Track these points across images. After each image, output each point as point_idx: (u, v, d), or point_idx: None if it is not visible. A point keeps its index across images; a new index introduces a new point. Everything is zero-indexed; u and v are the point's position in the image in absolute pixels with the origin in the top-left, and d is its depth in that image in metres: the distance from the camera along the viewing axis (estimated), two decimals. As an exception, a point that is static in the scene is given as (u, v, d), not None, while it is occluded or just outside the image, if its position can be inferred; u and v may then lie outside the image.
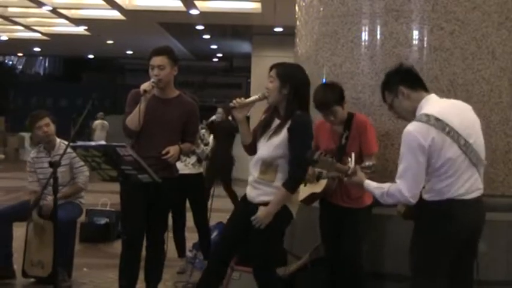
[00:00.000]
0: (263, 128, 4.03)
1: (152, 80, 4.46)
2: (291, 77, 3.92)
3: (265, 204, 3.89)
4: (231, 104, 3.99)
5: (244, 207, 4.06)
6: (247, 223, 3.95)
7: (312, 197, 4.52)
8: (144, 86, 4.40)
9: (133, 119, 4.46)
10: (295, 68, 4.07)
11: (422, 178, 3.30)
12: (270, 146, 3.90)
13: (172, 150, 4.48)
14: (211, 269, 4.17)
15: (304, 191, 4.57)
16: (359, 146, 4.32)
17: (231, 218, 4.20)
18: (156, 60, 4.50)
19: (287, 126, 3.87)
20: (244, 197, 4.11)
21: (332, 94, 4.36)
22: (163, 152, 4.44)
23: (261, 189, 3.94)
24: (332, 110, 4.32)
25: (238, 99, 4.01)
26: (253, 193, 4.00)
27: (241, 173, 14.57)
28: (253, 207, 3.95)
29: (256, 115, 4.17)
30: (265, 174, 3.91)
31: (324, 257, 4.67)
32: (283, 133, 3.87)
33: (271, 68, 3.98)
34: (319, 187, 4.43)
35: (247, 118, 4.24)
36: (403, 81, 3.47)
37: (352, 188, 4.20)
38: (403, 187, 3.29)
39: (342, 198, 4.39)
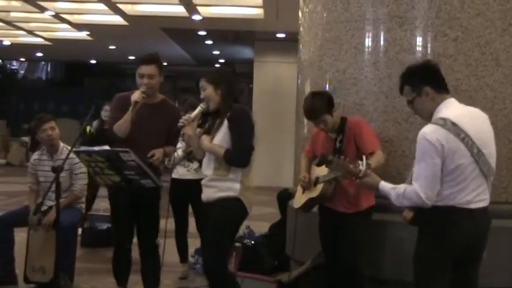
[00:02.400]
0: (208, 132, 4.18)
1: (142, 89, 4.58)
2: (220, 78, 4.14)
3: (223, 199, 4.01)
4: (180, 124, 4.14)
5: (207, 212, 4.16)
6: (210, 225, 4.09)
7: (310, 203, 4.53)
8: (135, 97, 4.53)
9: (122, 127, 4.56)
10: (220, 70, 4.42)
11: (438, 180, 3.27)
12: (217, 141, 4.05)
13: (158, 153, 4.59)
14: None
15: (301, 198, 4.57)
16: (356, 148, 4.33)
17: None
18: (146, 69, 4.62)
19: (227, 117, 4.04)
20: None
21: (320, 102, 4.39)
22: (149, 155, 4.51)
23: (216, 186, 4.07)
24: (322, 119, 4.37)
25: (185, 117, 4.16)
26: (208, 193, 4.12)
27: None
28: (211, 206, 4.08)
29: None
30: (218, 170, 4.06)
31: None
32: (224, 125, 4.03)
33: (198, 82, 4.16)
34: (315, 192, 4.45)
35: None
36: (431, 82, 3.41)
37: (352, 187, 4.22)
38: (419, 189, 3.26)
39: (341, 202, 4.41)
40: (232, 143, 4.00)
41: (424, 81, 3.41)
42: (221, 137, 4.04)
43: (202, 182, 4.18)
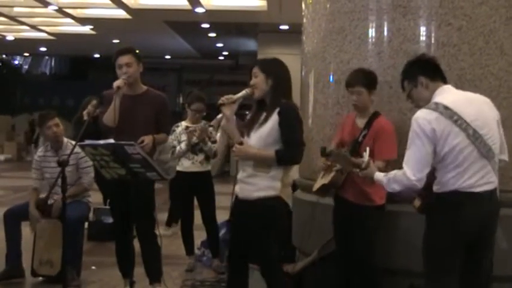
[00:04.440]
0: (250, 123, 4.06)
1: (123, 77, 4.68)
2: (274, 69, 4.03)
3: (263, 199, 3.89)
4: (220, 101, 4.02)
5: (240, 208, 4.06)
6: (247, 223, 3.97)
7: (323, 188, 4.52)
8: (117, 83, 4.64)
9: (109, 115, 4.67)
10: (276, 60, 4.19)
11: (427, 163, 3.33)
12: (261, 134, 3.93)
13: (147, 139, 4.63)
14: (234, 278, 4.18)
15: (318, 182, 4.57)
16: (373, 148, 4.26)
17: (232, 224, 4.22)
18: (123, 59, 4.75)
19: (275, 112, 3.91)
20: (236, 198, 4.08)
21: (362, 76, 4.41)
22: (138, 141, 4.53)
23: (256, 184, 3.93)
24: (357, 90, 4.36)
25: (226, 96, 4.06)
26: (246, 191, 3.98)
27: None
28: (250, 204, 3.94)
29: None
30: (259, 167, 3.92)
31: (333, 253, 4.67)
32: (272, 119, 3.91)
33: (252, 67, 4.07)
34: (327, 178, 4.43)
35: None
36: (423, 71, 3.51)
37: (363, 183, 4.19)
38: (408, 171, 3.33)
39: (351, 192, 4.37)
40: (283, 139, 3.88)
41: (418, 72, 3.53)
42: (268, 131, 3.90)
43: (239, 177, 4.03)
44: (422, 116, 3.33)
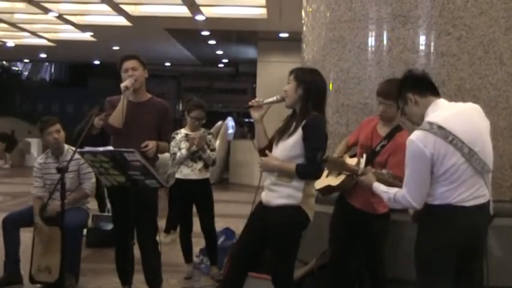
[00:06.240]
0: (281, 133, 4.06)
1: (130, 79, 4.71)
2: (306, 78, 3.97)
3: (283, 207, 3.90)
4: (249, 104, 4.06)
5: (260, 213, 4.06)
6: (264, 228, 3.97)
7: (328, 189, 4.49)
8: (125, 83, 4.67)
9: (116, 116, 4.68)
10: (312, 70, 4.16)
11: (426, 185, 3.35)
12: (287, 146, 3.93)
13: (151, 144, 4.65)
14: (232, 277, 4.19)
15: (323, 182, 4.53)
16: (386, 161, 4.21)
17: (247, 225, 4.18)
18: (129, 64, 4.79)
19: (302, 125, 3.90)
20: (260, 203, 4.10)
21: (393, 87, 4.08)
22: (142, 145, 4.57)
23: (278, 191, 3.94)
24: (389, 103, 4.17)
25: (256, 99, 4.11)
26: (269, 197, 4.00)
27: (237, 177, 14.67)
28: (270, 211, 3.96)
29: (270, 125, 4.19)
30: (282, 176, 3.93)
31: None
32: (298, 133, 3.90)
33: (290, 73, 4.05)
34: (337, 181, 4.40)
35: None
36: (411, 88, 3.49)
37: (364, 190, 4.17)
38: (407, 194, 3.36)
39: (360, 199, 4.32)
40: (306, 154, 3.87)
41: (406, 89, 3.52)
42: (292, 144, 3.90)
43: (266, 184, 4.06)
44: (418, 139, 3.31)
